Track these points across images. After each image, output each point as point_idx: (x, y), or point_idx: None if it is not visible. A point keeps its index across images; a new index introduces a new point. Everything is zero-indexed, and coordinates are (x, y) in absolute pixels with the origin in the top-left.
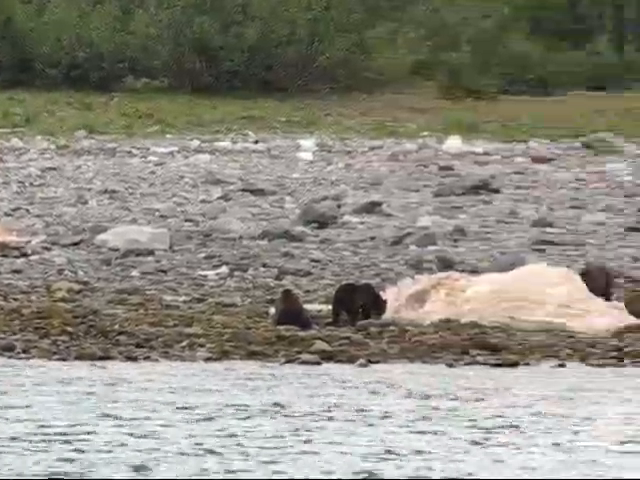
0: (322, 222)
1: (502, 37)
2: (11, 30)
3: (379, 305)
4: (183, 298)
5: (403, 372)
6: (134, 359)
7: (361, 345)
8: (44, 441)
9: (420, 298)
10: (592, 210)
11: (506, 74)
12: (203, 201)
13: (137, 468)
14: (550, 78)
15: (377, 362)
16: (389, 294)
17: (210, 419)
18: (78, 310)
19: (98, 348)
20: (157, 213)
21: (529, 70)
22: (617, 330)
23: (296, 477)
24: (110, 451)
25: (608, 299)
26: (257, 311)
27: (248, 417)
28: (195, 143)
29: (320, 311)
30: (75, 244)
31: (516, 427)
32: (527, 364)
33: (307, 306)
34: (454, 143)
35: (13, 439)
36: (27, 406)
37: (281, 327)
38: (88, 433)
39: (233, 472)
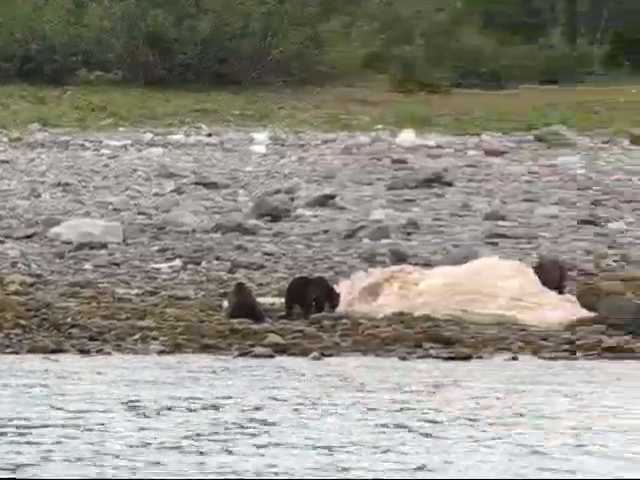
0: (275, 215)
1: (455, 31)
2: None
3: (333, 298)
4: (136, 291)
5: (356, 365)
6: (87, 352)
7: (314, 338)
8: None
9: (373, 291)
10: (545, 203)
11: (459, 68)
12: (156, 194)
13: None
14: (503, 72)
15: (330, 355)
16: (342, 287)
17: (161, 412)
18: (31, 303)
19: (51, 341)
20: (110, 206)
21: (482, 64)
22: (569, 323)
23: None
24: (59, 442)
25: (561, 292)
26: (210, 304)
27: (199, 410)
28: (148, 136)
29: (273, 304)
30: (28, 237)
31: (467, 420)
32: (480, 357)
33: (260, 299)
34: (407, 136)
35: None
36: None
37: (234, 320)
38: (39, 426)
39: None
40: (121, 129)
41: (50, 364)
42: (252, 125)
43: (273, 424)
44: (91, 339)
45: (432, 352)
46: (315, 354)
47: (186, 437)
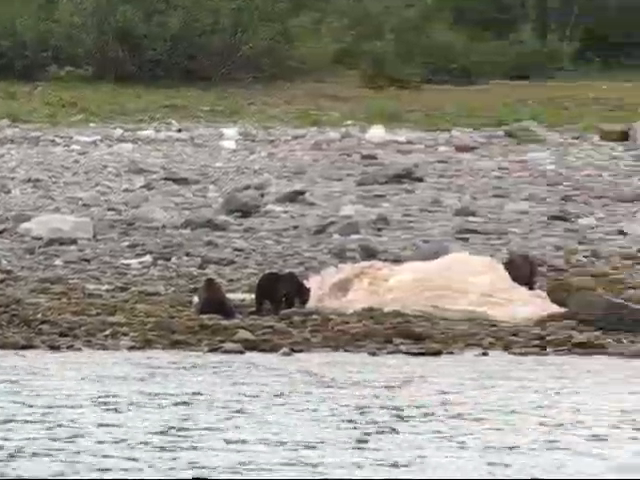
0: (245, 211)
1: (425, 27)
2: None
3: (303, 294)
4: (106, 287)
5: (326, 361)
6: (57, 348)
7: (284, 334)
8: None
9: (343, 287)
10: (515, 199)
11: (429, 63)
12: (126, 190)
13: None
14: (473, 67)
15: (300, 351)
16: (312, 283)
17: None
18: (1, 299)
19: (21, 337)
20: (80, 202)
21: (452, 59)
22: (540, 319)
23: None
24: (28, 439)
25: (531, 288)
26: (180, 300)
27: (169, 406)
28: (118, 132)
29: (243, 300)
30: None
31: (437, 415)
32: (450, 353)
33: (230, 295)
34: (377, 132)
35: None
36: None
37: (204, 316)
38: (8, 422)
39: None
40: (91, 125)
41: (20, 360)
42: (222, 121)
43: (243, 420)
44: (61, 335)
45: (402, 348)
46: (285, 350)
47: (156, 433)
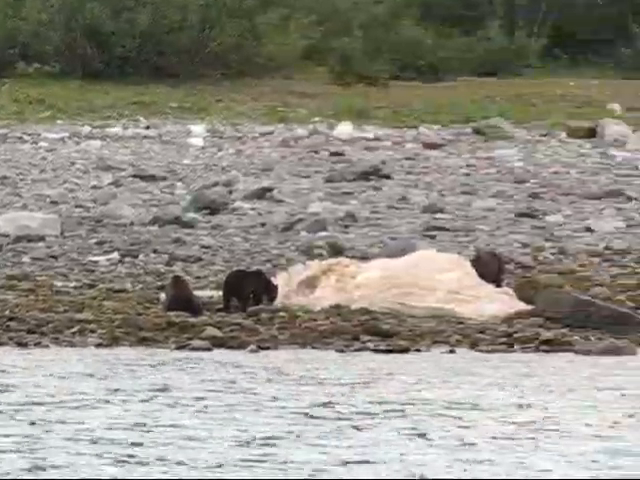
0: (213, 208)
1: (393, 23)
2: None
3: (270, 291)
4: (74, 284)
5: (293, 358)
6: (24, 345)
7: (252, 331)
8: None
9: (311, 284)
10: (482, 196)
11: (397, 60)
12: (94, 187)
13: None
14: (441, 64)
15: (268, 348)
16: (280, 280)
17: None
18: None
19: None
20: (48, 199)
21: (420, 56)
22: (507, 316)
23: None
24: None
25: (499, 285)
26: (148, 297)
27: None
28: (86, 129)
29: (211, 297)
30: None
31: (403, 412)
32: (417, 350)
33: (198, 292)
34: (345, 129)
35: None
36: None
37: (171, 313)
38: None
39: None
40: (59, 122)
41: None
42: (190, 118)
43: (208, 417)
44: (29, 332)
45: (370, 345)
46: (252, 347)
47: (122, 429)
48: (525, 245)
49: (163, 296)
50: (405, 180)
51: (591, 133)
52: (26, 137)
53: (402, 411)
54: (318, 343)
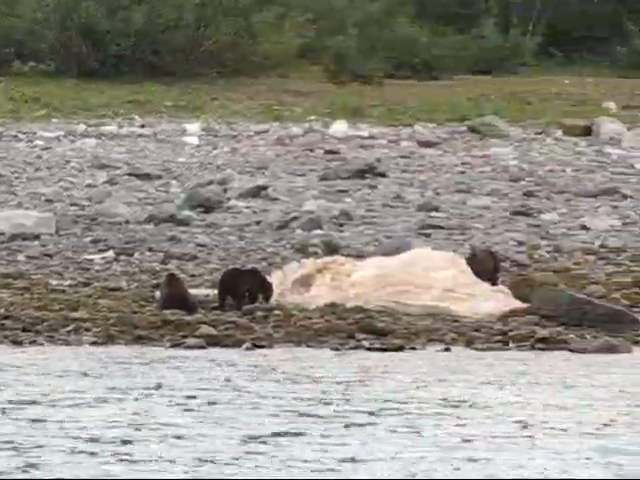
0: (208, 206)
1: (388, 21)
2: None
3: (265, 289)
4: (69, 282)
5: (288, 356)
6: (19, 343)
7: (247, 329)
8: None
9: (306, 282)
10: (478, 194)
11: (392, 58)
12: (89, 185)
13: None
14: (436, 62)
15: (262, 346)
16: (275, 278)
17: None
18: None
19: None
20: (43, 197)
21: (415, 54)
22: (502, 314)
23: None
24: None
25: (494, 283)
26: (143, 295)
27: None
28: (81, 127)
29: (207, 296)
30: None
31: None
32: (413, 348)
33: (193, 291)
34: (340, 127)
35: None
36: None
37: (167, 311)
38: None
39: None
40: (54, 120)
41: None
42: (185, 116)
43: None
44: (24, 330)
45: (365, 343)
46: (247, 345)
47: (117, 428)
48: (520, 243)
49: (158, 294)
50: (400, 178)
51: (586, 131)
52: (21, 135)
53: (397, 409)
54: (313, 341)
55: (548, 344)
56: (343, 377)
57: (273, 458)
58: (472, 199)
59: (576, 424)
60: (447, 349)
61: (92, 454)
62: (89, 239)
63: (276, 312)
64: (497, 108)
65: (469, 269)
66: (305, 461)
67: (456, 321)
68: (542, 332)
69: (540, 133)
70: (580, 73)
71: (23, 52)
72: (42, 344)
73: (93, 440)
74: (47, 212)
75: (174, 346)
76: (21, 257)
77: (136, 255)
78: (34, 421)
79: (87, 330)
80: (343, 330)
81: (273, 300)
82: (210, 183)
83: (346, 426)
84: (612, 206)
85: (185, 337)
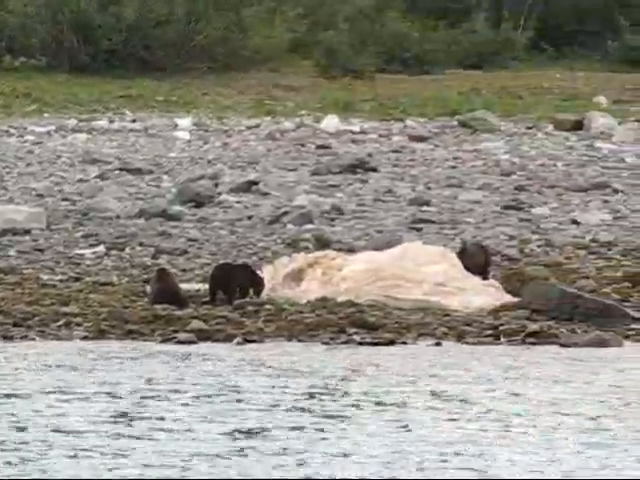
0: (199, 201)
1: (379, 16)
2: None
3: (257, 284)
4: (60, 277)
5: (279, 351)
6: (10, 338)
7: (238, 324)
8: None
9: (297, 277)
10: (469, 189)
11: (383, 53)
12: (80, 180)
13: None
14: (427, 57)
15: (253, 341)
16: (266, 273)
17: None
18: None
19: None
20: (34, 192)
21: (406, 49)
22: (493, 308)
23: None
24: None
25: (485, 277)
26: (134, 290)
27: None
28: (73, 122)
29: (198, 290)
30: None
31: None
32: (404, 343)
33: (184, 285)
34: (331, 122)
35: None
36: None
37: (157, 306)
38: None
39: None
40: (45, 115)
41: None
42: (176, 111)
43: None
44: (15, 325)
45: (356, 337)
46: (238, 340)
47: (107, 422)
48: (511, 237)
49: (149, 289)
50: (391, 173)
51: (577, 125)
52: (12, 130)
53: (388, 403)
54: (304, 336)
55: (539, 338)
56: (334, 371)
57: (262, 452)
58: (463, 193)
59: (567, 418)
60: (438, 343)
61: (82, 449)
62: (80, 234)
63: (267, 307)
64: (488, 102)
65: (460, 263)
66: (295, 455)
67: (447, 315)
68: (533, 326)
69: (531, 127)
70: (571, 67)
71: (14, 47)
72: (33, 339)
73: (85, 435)
74: (38, 207)
75: (165, 341)
76: (12, 252)
77: (127, 250)
78: (26, 417)
79: (78, 325)
80: (334, 324)
81: (264, 295)
82: (201, 178)
83: (337, 420)
84: (603, 200)
85: (176, 332)
